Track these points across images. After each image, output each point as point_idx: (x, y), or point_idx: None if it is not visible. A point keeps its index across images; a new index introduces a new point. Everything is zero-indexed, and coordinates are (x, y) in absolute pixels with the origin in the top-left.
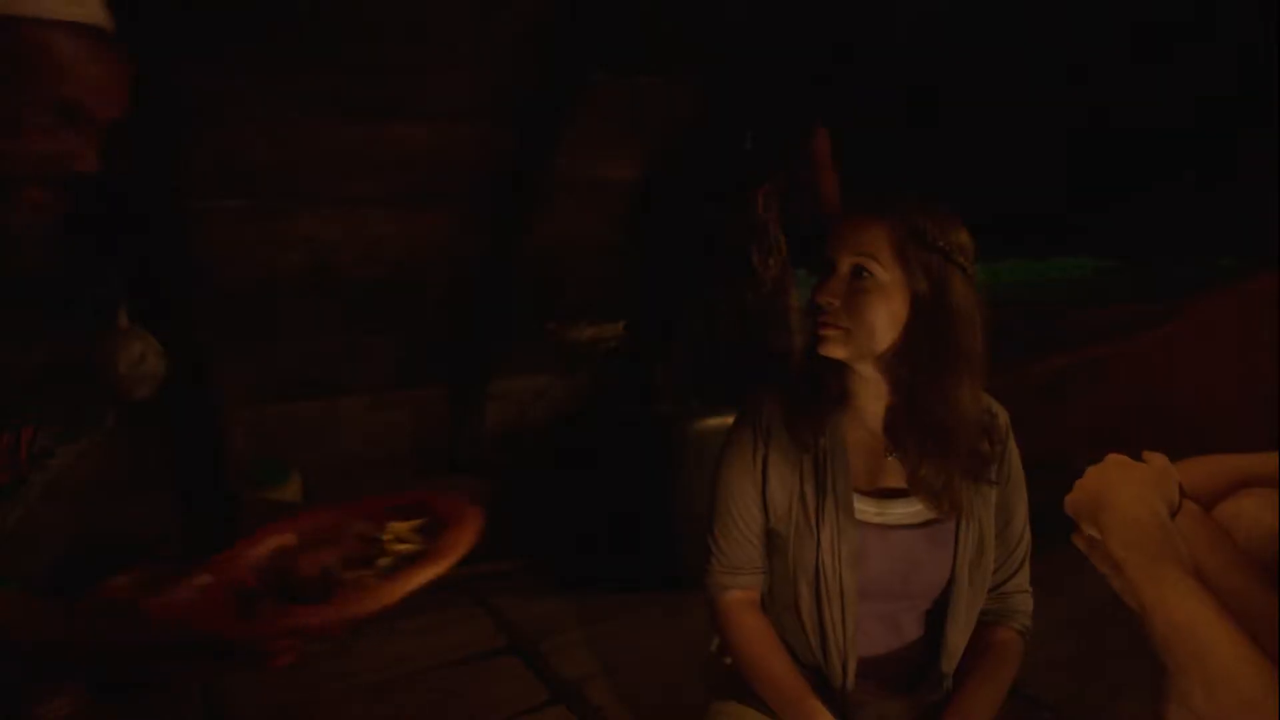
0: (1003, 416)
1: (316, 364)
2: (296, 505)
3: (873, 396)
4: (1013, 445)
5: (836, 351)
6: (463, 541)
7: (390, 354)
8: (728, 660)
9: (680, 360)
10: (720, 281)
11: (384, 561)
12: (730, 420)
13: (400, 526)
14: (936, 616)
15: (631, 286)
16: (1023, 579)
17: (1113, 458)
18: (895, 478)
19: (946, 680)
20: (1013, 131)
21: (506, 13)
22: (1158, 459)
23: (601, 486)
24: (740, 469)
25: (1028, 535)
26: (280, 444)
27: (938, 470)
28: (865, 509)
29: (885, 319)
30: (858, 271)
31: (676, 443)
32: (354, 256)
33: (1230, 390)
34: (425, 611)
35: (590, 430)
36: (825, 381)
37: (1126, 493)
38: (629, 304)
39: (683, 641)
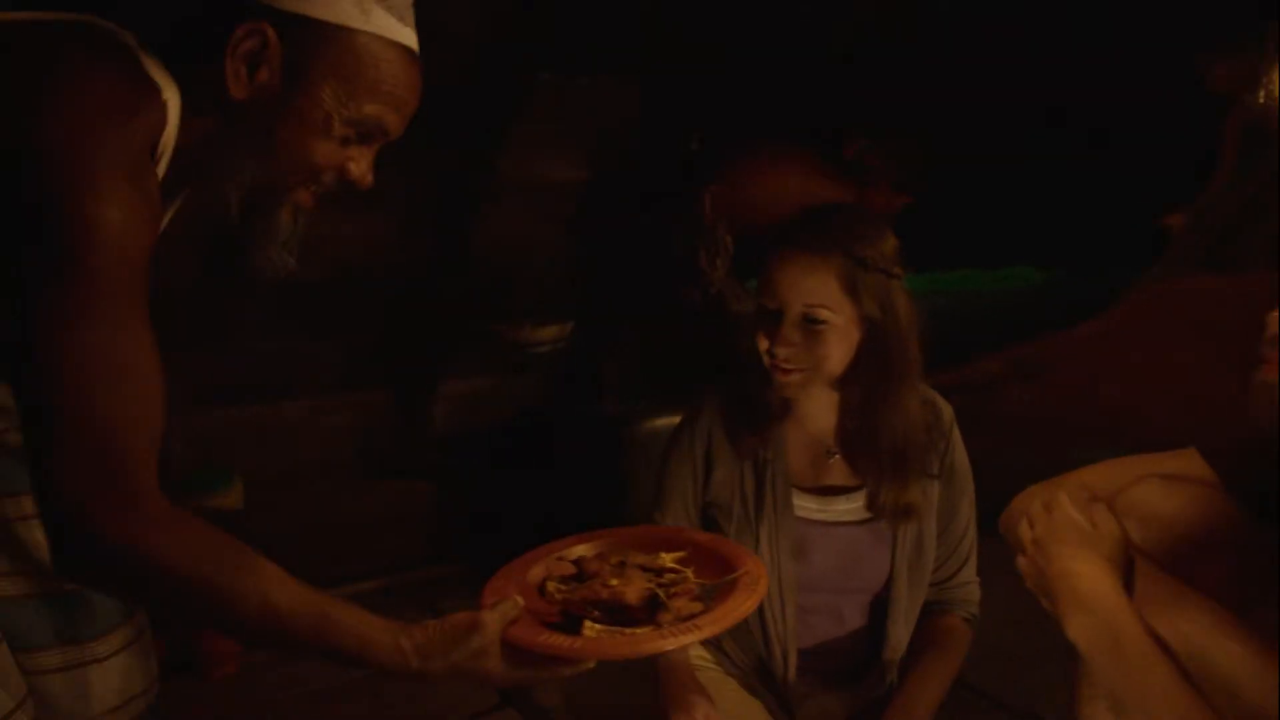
0: (946, 411)
1: (258, 367)
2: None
3: (818, 408)
4: (957, 440)
5: (796, 392)
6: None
7: (334, 357)
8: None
9: (629, 360)
10: (668, 282)
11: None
12: (679, 420)
13: (668, 557)
14: (878, 610)
15: (580, 287)
16: (969, 572)
17: (1044, 498)
18: (838, 475)
19: (891, 671)
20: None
21: (450, 12)
22: (1103, 520)
23: (551, 487)
24: (680, 459)
25: (972, 531)
26: (222, 450)
27: (898, 493)
28: (809, 506)
29: (842, 352)
30: (810, 318)
31: (626, 442)
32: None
33: (1158, 385)
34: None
35: (539, 431)
36: (769, 400)
37: (1079, 568)
38: (577, 304)
39: None
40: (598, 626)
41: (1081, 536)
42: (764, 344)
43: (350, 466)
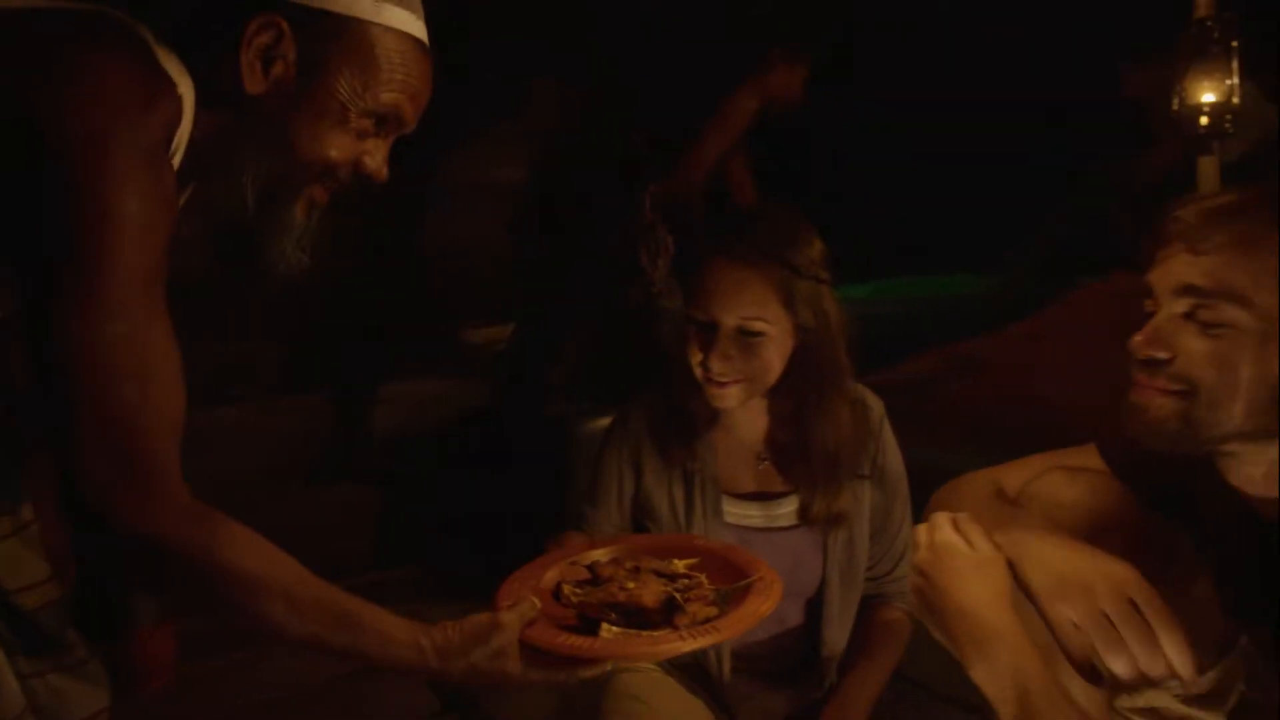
0: (876, 408)
1: (196, 372)
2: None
3: (749, 415)
4: (888, 438)
5: (733, 405)
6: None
7: (274, 360)
8: None
9: (573, 361)
10: (610, 282)
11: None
12: (611, 421)
13: (681, 563)
14: (814, 612)
15: (523, 288)
16: (906, 566)
17: (939, 536)
18: (768, 481)
19: (830, 670)
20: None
21: None
22: (979, 541)
23: (498, 489)
24: (610, 460)
25: (908, 527)
26: None
27: (829, 501)
28: (739, 512)
29: (778, 363)
30: (746, 330)
31: (572, 442)
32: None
33: (1087, 382)
34: None
35: (485, 433)
36: (698, 411)
37: (976, 608)
38: (521, 305)
39: None
40: (615, 629)
41: (968, 564)
42: (697, 357)
43: (292, 472)
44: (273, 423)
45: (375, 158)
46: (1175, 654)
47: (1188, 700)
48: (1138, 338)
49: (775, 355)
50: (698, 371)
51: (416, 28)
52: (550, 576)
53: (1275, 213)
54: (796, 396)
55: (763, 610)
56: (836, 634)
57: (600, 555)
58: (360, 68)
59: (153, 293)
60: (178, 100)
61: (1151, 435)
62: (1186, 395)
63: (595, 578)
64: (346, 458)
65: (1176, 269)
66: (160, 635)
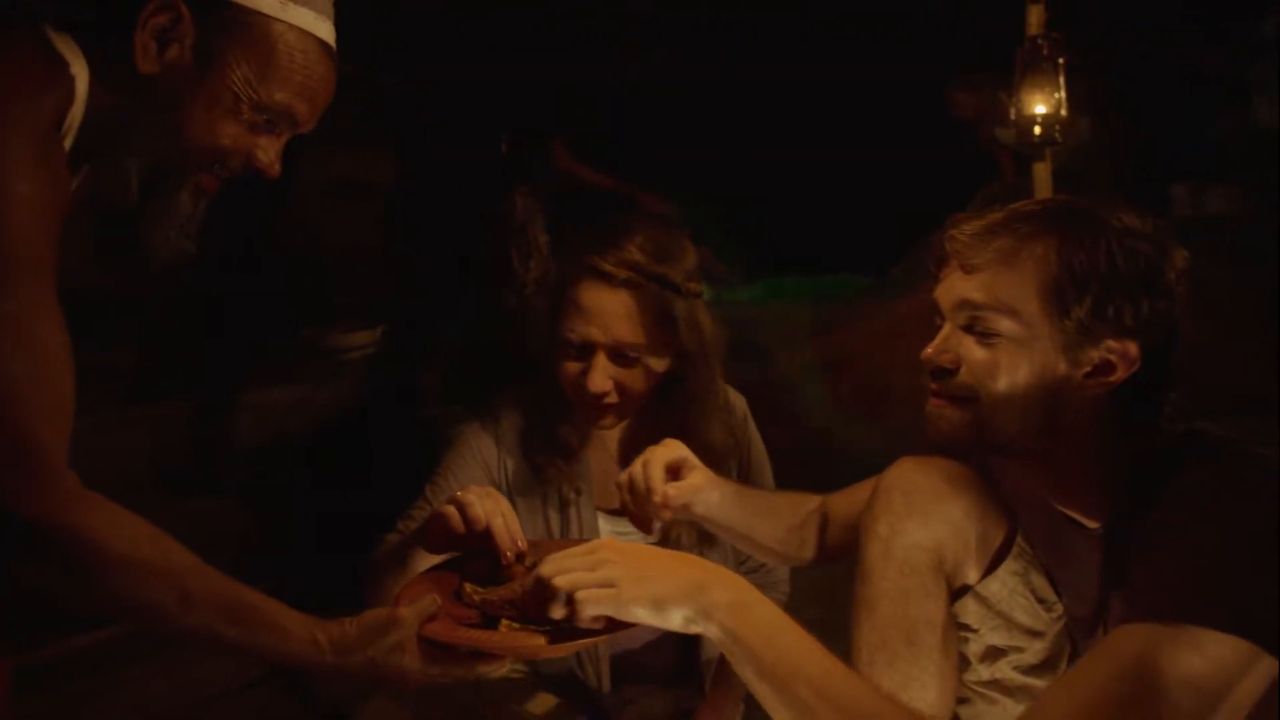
0: (740, 406)
1: None
2: None
3: (622, 433)
4: (753, 435)
5: (610, 426)
6: None
7: (122, 368)
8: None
9: (445, 364)
10: (482, 284)
11: None
12: (466, 429)
13: None
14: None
15: (393, 289)
16: None
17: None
18: (600, 494)
19: (709, 671)
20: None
21: None
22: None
23: (371, 498)
24: (476, 454)
25: None
26: None
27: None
28: (625, 529)
29: (655, 379)
30: (623, 353)
31: (444, 446)
32: (76, 260)
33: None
34: (172, 646)
35: (354, 439)
36: (571, 430)
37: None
38: (390, 307)
39: None
40: (515, 625)
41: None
42: (570, 376)
43: (145, 487)
44: (124, 434)
45: (267, 153)
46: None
47: (1025, 670)
48: (928, 350)
49: (652, 374)
50: (571, 391)
51: (322, 30)
52: (451, 577)
53: (1032, 228)
54: (669, 412)
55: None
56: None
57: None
58: (257, 62)
59: (42, 274)
60: (69, 80)
61: (947, 443)
62: (971, 403)
63: (497, 576)
64: (206, 469)
65: (955, 285)
66: None
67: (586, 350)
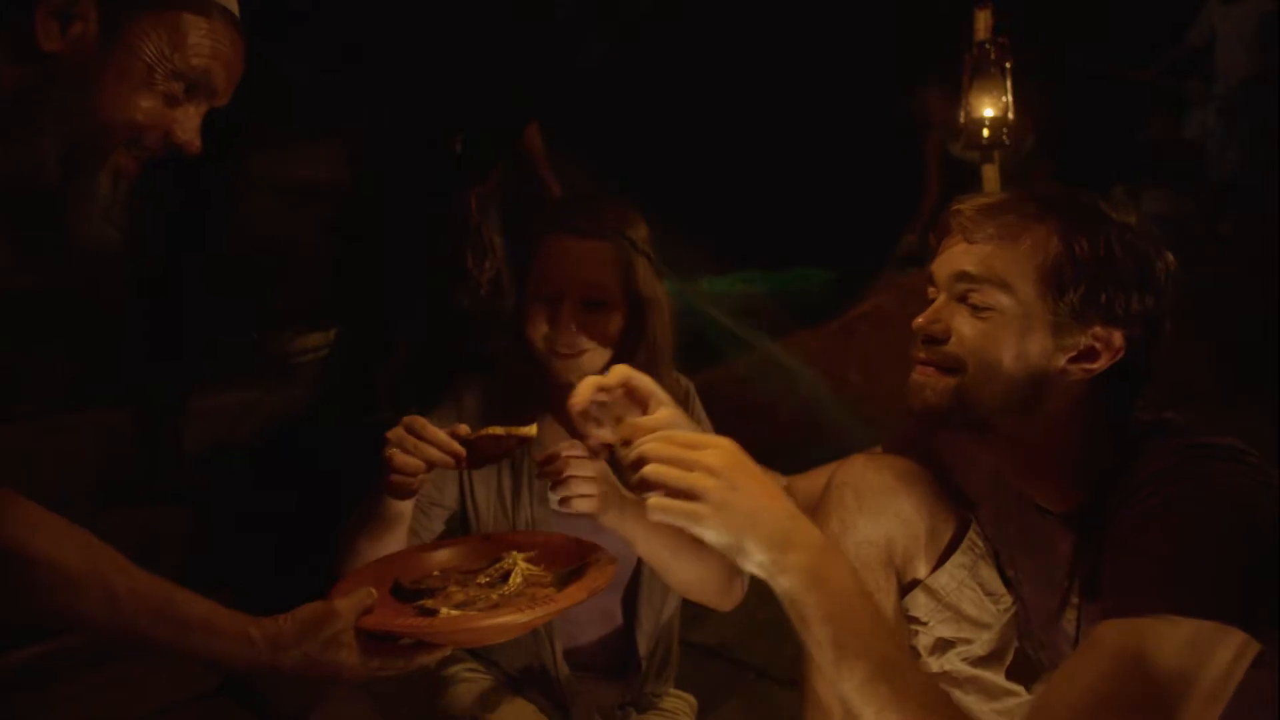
0: (683, 383)
1: None
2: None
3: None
4: (700, 414)
5: (577, 377)
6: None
7: (64, 374)
8: (451, 671)
9: (400, 366)
10: (436, 285)
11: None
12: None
13: (519, 555)
14: (631, 600)
15: (346, 291)
16: None
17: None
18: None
19: (650, 661)
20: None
21: None
22: None
23: (320, 503)
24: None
25: None
26: None
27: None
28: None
29: (617, 331)
30: (591, 300)
31: None
32: (11, 261)
33: (894, 372)
34: (119, 659)
35: (307, 445)
36: (533, 397)
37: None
38: (343, 310)
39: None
40: (455, 611)
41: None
42: (541, 330)
43: (91, 495)
44: (67, 440)
45: (186, 127)
46: None
47: (973, 662)
48: (919, 319)
49: (615, 326)
50: (541, 345)
51: (230, 1)
52: (386, 575)
53: (1037, 209)
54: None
55: (598, 584)
56: (652, 618)
57: (446, 556)
58: (167, 30)
59: None
60: None
61: (928, 412)
62: (957, 373)
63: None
64: (151, 478)
65: (954, 257)
66: None
67: (556, 303)
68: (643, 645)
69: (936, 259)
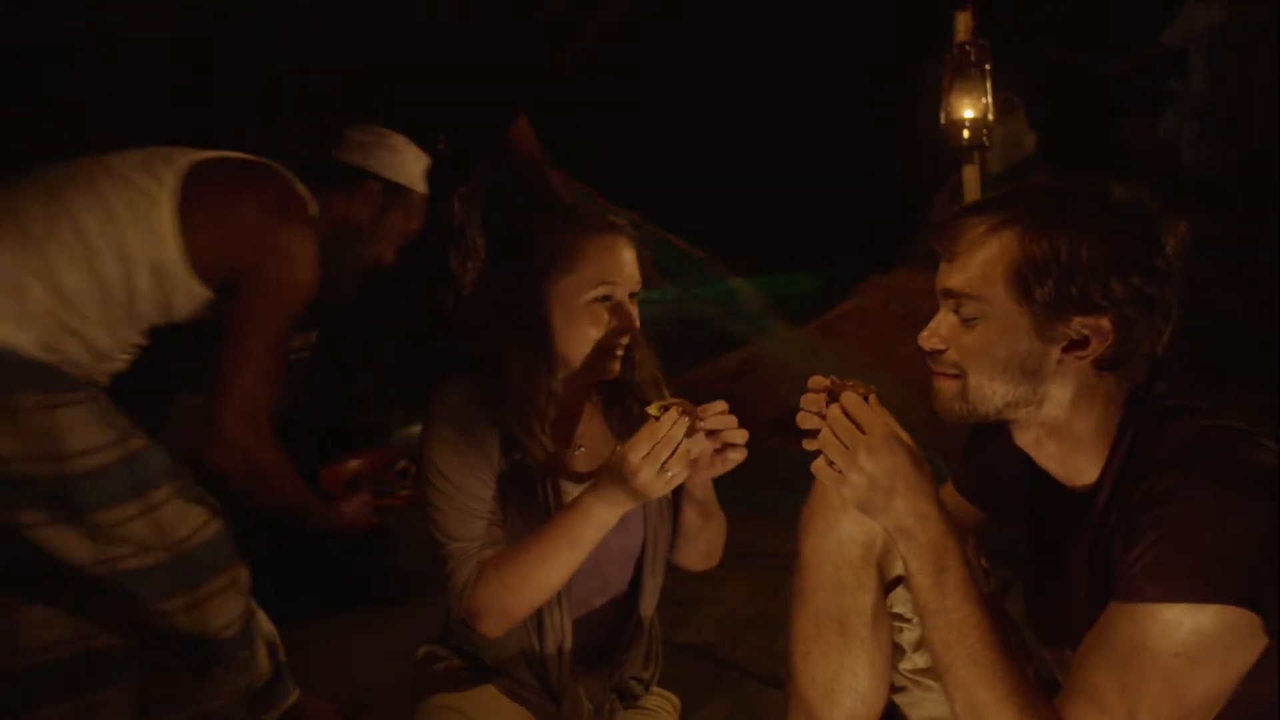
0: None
1: None
2: None
3: (574, 404)
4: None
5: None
6: None
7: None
8: (440, 666)
9: (383, 367)
10: (420, 286)
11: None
12: (437, 413)
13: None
14: (634, 571)
15: (327, 292)
16: None
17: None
18: (584, 461)
19: (646, 630)
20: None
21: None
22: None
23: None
24: (459, 450)
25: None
26: None
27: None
28: (572, 495)
29: None
30: (635, 291)
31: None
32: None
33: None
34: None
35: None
36: (549, 400)
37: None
38: (324, 311)
39: (384, 655)
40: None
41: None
42: (598, 333)
43: None
44: None
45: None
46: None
47: None
48: (921, 335)
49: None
50: (596, 351)
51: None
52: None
53: (1001, 217)
54: (624, 368)
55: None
56: (650, 595)
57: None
58: (407, 218)
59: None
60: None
61: (945, 412)
62: (960, 378)
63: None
64: None
65: (941, 275)
66: None
67: (611, 300)
68: (644, 610)
69: (937, 275)
